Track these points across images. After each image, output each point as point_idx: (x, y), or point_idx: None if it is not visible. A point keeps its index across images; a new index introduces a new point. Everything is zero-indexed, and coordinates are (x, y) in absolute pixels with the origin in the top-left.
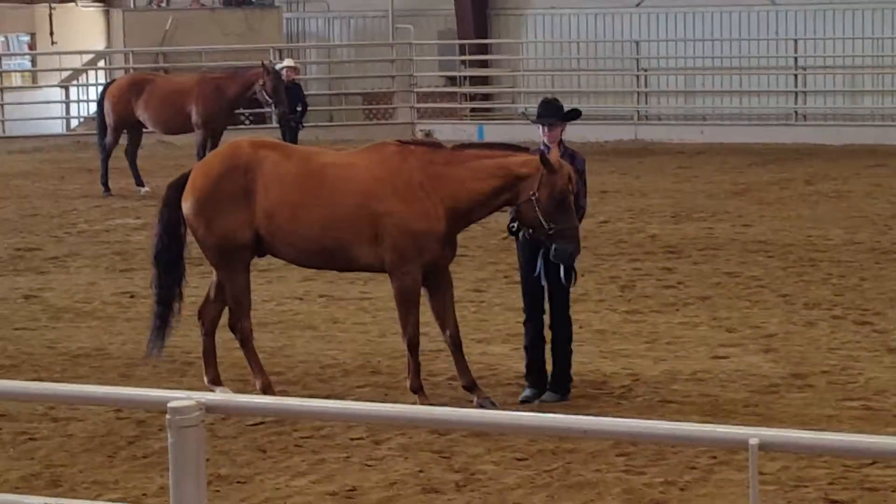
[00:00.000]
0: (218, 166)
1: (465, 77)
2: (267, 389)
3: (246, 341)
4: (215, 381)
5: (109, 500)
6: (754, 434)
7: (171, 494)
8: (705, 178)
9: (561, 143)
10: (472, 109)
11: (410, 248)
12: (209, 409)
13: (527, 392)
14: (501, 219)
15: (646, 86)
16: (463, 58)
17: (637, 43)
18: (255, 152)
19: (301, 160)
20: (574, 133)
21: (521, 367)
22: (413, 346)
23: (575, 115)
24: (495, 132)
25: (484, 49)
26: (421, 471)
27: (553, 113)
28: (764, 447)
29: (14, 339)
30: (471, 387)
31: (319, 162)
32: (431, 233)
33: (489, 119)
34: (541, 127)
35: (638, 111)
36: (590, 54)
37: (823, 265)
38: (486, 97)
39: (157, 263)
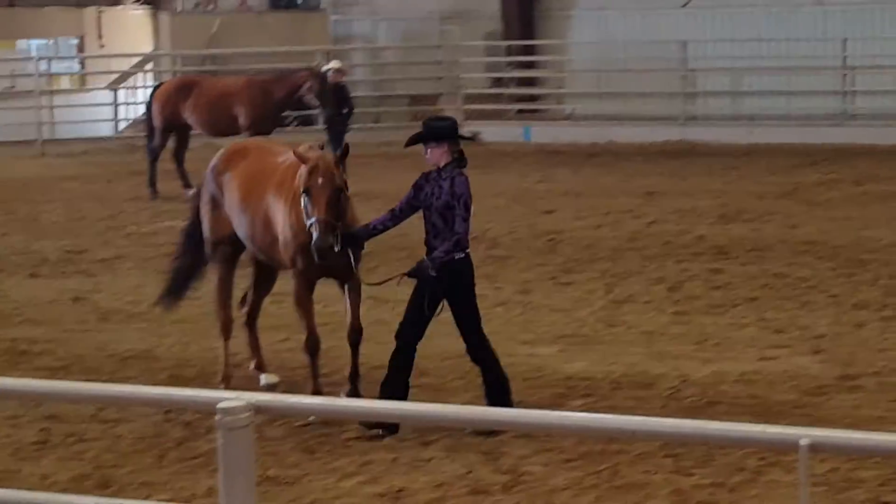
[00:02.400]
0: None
1: (511, 78)
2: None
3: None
4: (260, 368)
5: (158, 501)
6: (805, 434)
7: (220, 496)
8: (753, 179)
9: (449, 164)
10: (519, 111)
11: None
12: (259, 409)
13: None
14: (541, 223)
15: (693, 86)
16: (509, 59)
17: (684, 43)
18: (232, 152)
19: (259, 159)
20: (623, 134)
21: (570, 368)
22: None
23: (447, 136)
24: (542, 133)
25: (530, 50)
26: (469, 472)
27: (427, 135)
28: (815, 448)
29: (63, 340)
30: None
31: (274, 161)
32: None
33: (536, 120)
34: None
35: (685, 112)
36: (636, 55)
37: (873, 266)
38: (532, 98)
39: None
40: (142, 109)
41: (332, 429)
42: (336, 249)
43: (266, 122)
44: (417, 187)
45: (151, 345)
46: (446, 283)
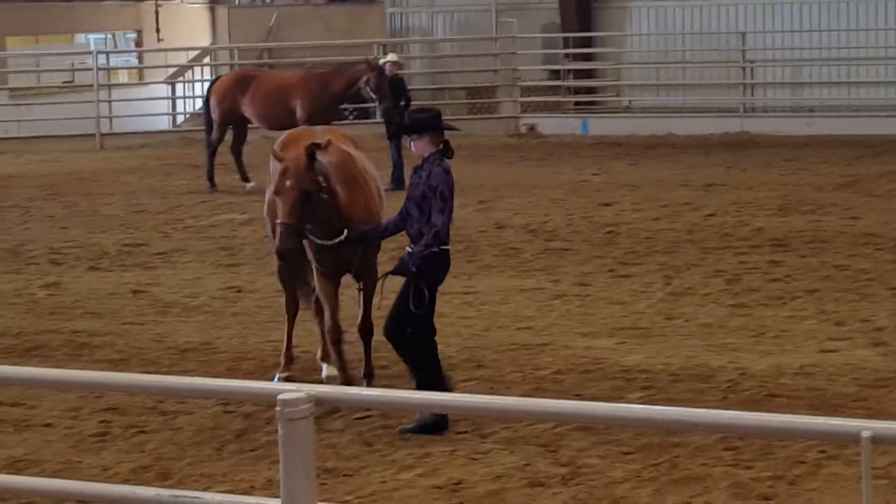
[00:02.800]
0: None
1: (568, 70)
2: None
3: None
4: (323, 359)
5: (218, 493)
6: (867, 427)
7: (281, 487)
8: (813, 171)
9: (433, 154)
10: (577, 103)
11: None
12: (319, 401)
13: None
14: (599, 215)
15: (752, 77)
16: (567, 51)
17: (743, 34)
18: (289, 139)
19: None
20: (681, 127)
21: (628, 361)
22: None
23: (430, 127)
24: (600, 125)
25: (588, 42)
26: (527, 464)
27: (411, 126)
28: (876, 440)
29: (123, 333)
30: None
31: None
32: None
33: (593, 112)
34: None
35: (744, 103)
36: (695, 46)
37: None
38: (590, 90)
39: None
40: (199, 103)
41: (390, 421)
42: (293, 252)
43: (323, 114)
44: (410, 181)
45: (210, 337)
46: (429, 277)
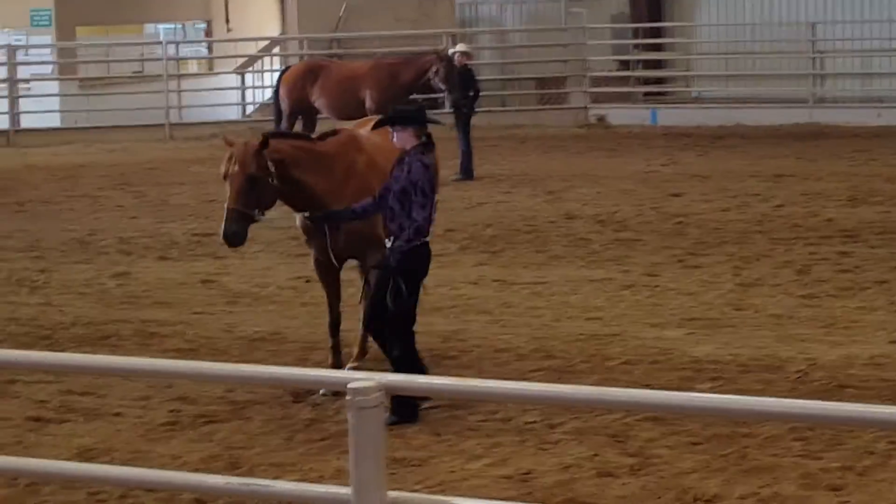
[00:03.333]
0: None
1: (638, 61)
2: None
3: None
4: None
5: (288, 482)
6: None
7: (351, 475)
8: (882, 162)
9: (414, 148)
10: (646, 93)
11: None
12: (389, 390)
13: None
14: (668, 206)
15: (821, 68)
16: (636, 41)
17: (812, 24)
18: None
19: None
20: (751, 117)
21: (697, 351)
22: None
23: (413, 121)
24: (669, 116)
25: (657, 33)
26: (595, 454)
27: (394, 118)
28: None
29: (193, 322)
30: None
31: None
32: None
33: (662, 103)
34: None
35: (813, 94)
36: (764, 36)
37: None
38: (659, 81)
39: None
40: (269, 93)
41: (459, 411)
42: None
43: (393, 105)
44: (391, 173)
45: (280, 327)
46: (409, 271)
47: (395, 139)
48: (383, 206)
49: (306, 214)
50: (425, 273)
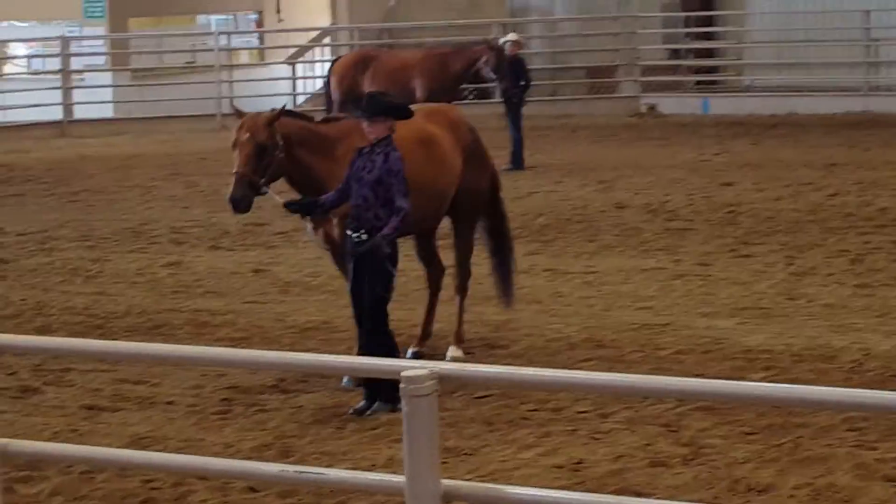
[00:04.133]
0: None
1: (689, 50)
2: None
3: None
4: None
5: (340, 471)
6: None
7: (405, 463)
8: None
9: (385, 139)
10: (698, 82)
11: None
12: (443, 378)
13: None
14: (719, 195)
15: (875, 56)
16: (687, 30)
17: (867, 12)
18: None
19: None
20: (802, 105)
21: (750, 341)
22: None
23: (394, 112)
24: (721, 105)
25: (709, 21)
26: (648, 444)
27: (370, 108)
28: None
29: (244, 311)
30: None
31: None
32: None
33: (714, 92)
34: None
35: (867, 82)
36: (817, 24)
37: None
38: (711, 70)
39: None
40: (320, 83)
41: (510, 400)
42: (250, 205)
43: (443, 95)
44: (351, 163)
45: (331, 316)
46: (394, 258)
47: (368, 128)
48: (344, 196)
49: (282, 200)
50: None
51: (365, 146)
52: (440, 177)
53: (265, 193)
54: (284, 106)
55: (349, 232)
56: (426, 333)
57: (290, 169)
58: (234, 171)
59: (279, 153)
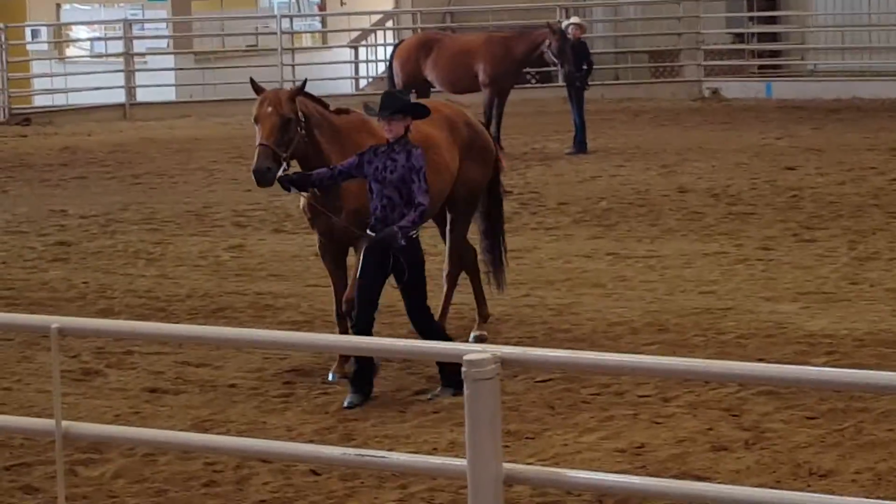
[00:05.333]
0: None
1: (753, 34)
2: None
3: None
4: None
5: (402, 454)
6: None
7: (467, 447)
8: None
9: (403, 137)
10: (760, 66)
11: None
12: (505, 362)
13: (352, 398)
14: (782, 179)
15: None
16: (751, 14)
17: None
18: None
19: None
20: (867, 90)
21: (812, 325)
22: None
23: (413, 110)
24: (784, 89)
25: (773, 5)
26: (710, 428)
27: (391, 106)
28: None
29: (306, 295)
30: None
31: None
32: None
33: (778, 76)
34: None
35: None
36: (881, 9)
37: None
38: (774, 54)
39: None
40: (382, 67)
41: (572, 384)
42: (276, 177)
43: (506, 78)
44: (366, 161)
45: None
46: (414, 254)
47: (390, 127)
48: (339, 178)
49: (289, 173)
50: (423, 260)
51: (379, 145)
52: (436, 182)
53: (285, 172)
54: (305, 80)
55: (371, 233)
56: (483, 315)
57: (307, 149)
58: (259, 143)
59: (301, 129)
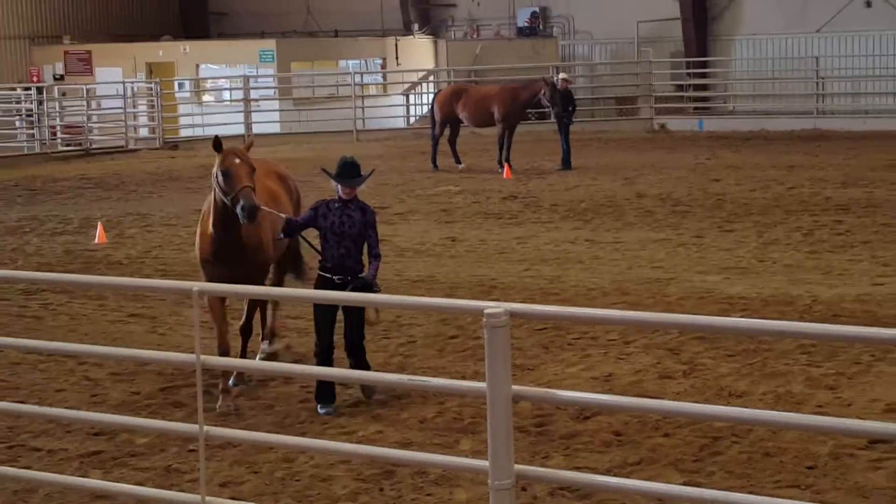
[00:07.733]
0: None
1: (690, 85)
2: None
3: None
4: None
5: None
6: None
7: (486, 375)
8: (867, 156)
9: (354, 198)
10: (695, 108)
11: None
12: (513, 314)
13: (329, 409)
14: (710, 188)
15: (822, 88)
16: (689, 71)
17: (816, 58)
18: None
19: None
20: (770, 124)
21: (731, 290)
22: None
23: (362, 177)
24: (712, 124)
25: (704, 64)
26: (658, 363)
27: (352, 175)
28: None
29: None
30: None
31: None
32: None
33: (707, 115)
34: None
35: (817, 107)
36: (781, 67)
37: None
38: (705, 99)
39: None
40: (426, 108)
41: (560, 331)
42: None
43: (514, 117)
44: (321, 215)
45: (433, 272)
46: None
47: (346, 190)
48: (302, 229)
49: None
50: None
51: (331, 200)
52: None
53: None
54: (253, 137)
55: (328, 275)
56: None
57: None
58: (243, 186)
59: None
